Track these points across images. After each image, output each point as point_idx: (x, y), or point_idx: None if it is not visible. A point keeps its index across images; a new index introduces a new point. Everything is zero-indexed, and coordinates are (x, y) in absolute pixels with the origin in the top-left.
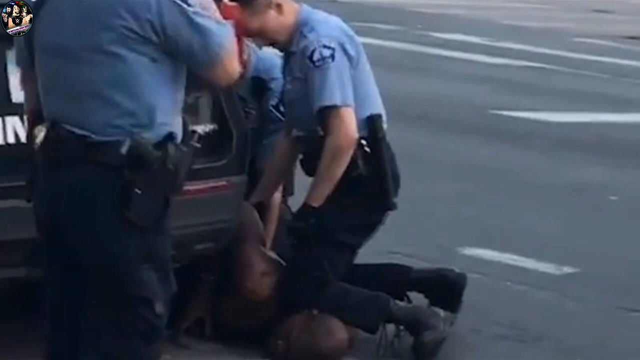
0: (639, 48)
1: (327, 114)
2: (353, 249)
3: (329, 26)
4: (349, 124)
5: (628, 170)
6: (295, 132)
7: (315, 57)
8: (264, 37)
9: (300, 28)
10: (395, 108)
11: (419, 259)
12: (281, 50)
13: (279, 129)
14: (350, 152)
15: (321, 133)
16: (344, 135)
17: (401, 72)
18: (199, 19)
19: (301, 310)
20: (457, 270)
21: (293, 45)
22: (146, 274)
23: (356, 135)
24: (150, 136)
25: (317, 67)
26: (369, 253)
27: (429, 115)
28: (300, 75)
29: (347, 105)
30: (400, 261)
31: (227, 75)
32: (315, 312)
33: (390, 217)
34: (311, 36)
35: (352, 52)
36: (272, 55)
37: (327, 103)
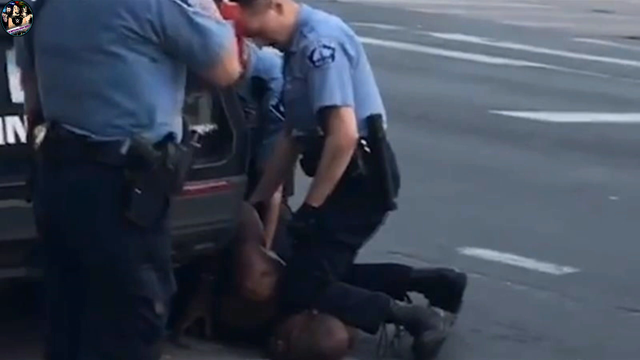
0: (639, 48)
1: (327, 114)
2: (353, 249)
3: (329, 26)
4: (349, 124)
5: (628, 170)
6: (295, 132)
7: (315, 57)
8: (264, 37)
9: (300, 28)
10: (395, 108)
11: (419, 259)
12: (281, 50)
13: (279, 129)
14: (350, 152)
15: (321, 133)
16: (344, 135)
17: (401, 72)
18: (199, 19)
19: (301, 310)
20: (457, 270)
21: (293, 45)
22: (146, 274)
23: (356, 135)
24: (150, 136)
25: (317, 67)
26: (369, 253)
27: (429, 115)
28: (300, 75)
29: (347, 105)
30: (400, 261)
31: (227, 75)
32: (315, 312)
33: (390, 217)
34: (311, 36)
35: (352, 52)
36: (272, 55)
37: (327, 103)
